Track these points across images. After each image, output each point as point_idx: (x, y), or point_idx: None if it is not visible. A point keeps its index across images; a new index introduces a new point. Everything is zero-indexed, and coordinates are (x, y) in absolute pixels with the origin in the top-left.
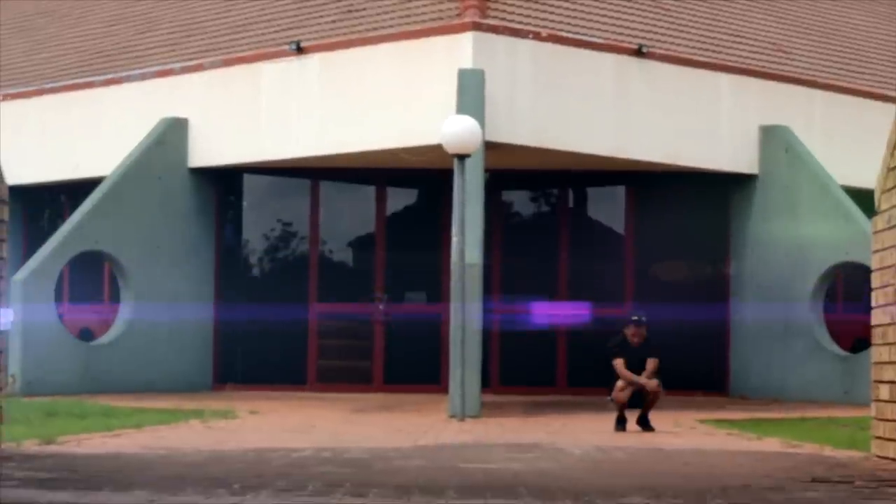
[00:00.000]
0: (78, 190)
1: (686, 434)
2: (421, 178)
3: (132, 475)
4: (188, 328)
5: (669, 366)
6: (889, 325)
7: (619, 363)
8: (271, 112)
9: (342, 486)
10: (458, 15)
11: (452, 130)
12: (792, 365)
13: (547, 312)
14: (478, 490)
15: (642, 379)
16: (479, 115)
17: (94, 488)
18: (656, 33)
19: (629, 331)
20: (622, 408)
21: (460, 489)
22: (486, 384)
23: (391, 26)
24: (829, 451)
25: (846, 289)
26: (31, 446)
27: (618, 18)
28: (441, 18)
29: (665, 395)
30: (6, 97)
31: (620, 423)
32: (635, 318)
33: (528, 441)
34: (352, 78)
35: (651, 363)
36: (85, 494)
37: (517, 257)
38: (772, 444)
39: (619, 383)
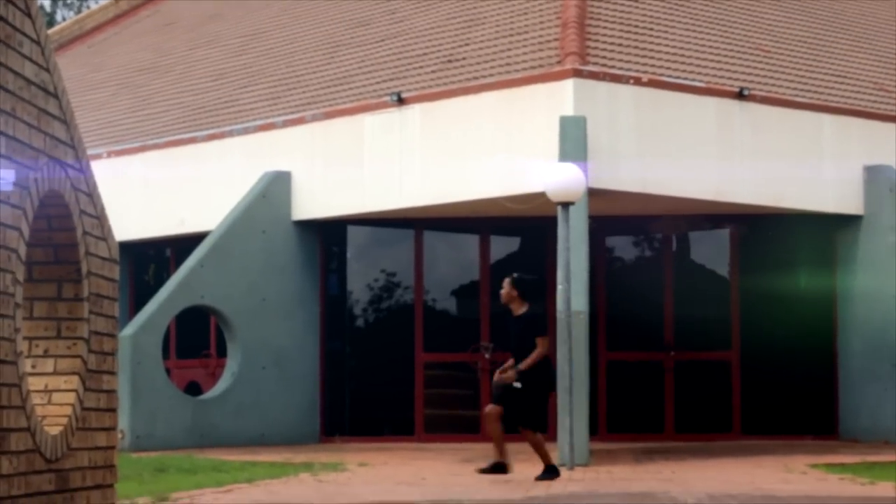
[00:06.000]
0: (183, 245)
1: (798, 480)
2: (524, 225)
3: None
4: (295, 380)
5: (778, 409)
6: None
7: None
8: (373, 163)
9: None
10: (559, 62)
11: (556, 178)
12: None
13: None
14: None
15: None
16: (582, 161)
17: None
18: (757, 76)
19: None
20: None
21: None
22: (593, 431)
23: (491, 75)
24: None
25: None
26: None
27: (718, 62)
28: (541, 66)
29: (774, 439)
30: (111, 154)
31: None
32: None
33: (639, 490)
34: (453, 127)
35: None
36: None
37: (622, 303)
38: (886, 489)
39: None
